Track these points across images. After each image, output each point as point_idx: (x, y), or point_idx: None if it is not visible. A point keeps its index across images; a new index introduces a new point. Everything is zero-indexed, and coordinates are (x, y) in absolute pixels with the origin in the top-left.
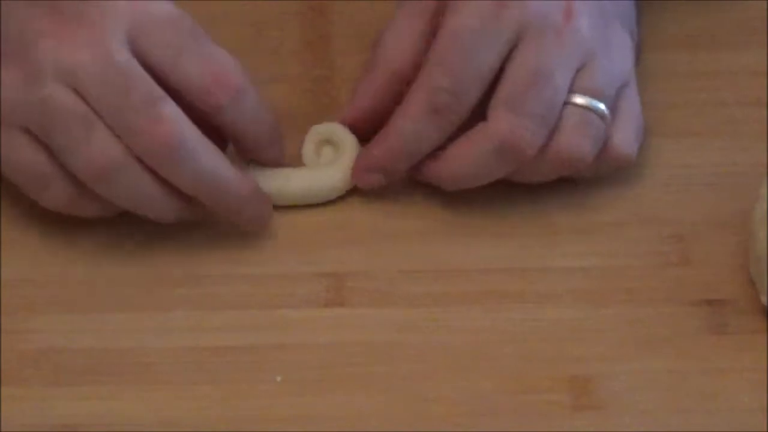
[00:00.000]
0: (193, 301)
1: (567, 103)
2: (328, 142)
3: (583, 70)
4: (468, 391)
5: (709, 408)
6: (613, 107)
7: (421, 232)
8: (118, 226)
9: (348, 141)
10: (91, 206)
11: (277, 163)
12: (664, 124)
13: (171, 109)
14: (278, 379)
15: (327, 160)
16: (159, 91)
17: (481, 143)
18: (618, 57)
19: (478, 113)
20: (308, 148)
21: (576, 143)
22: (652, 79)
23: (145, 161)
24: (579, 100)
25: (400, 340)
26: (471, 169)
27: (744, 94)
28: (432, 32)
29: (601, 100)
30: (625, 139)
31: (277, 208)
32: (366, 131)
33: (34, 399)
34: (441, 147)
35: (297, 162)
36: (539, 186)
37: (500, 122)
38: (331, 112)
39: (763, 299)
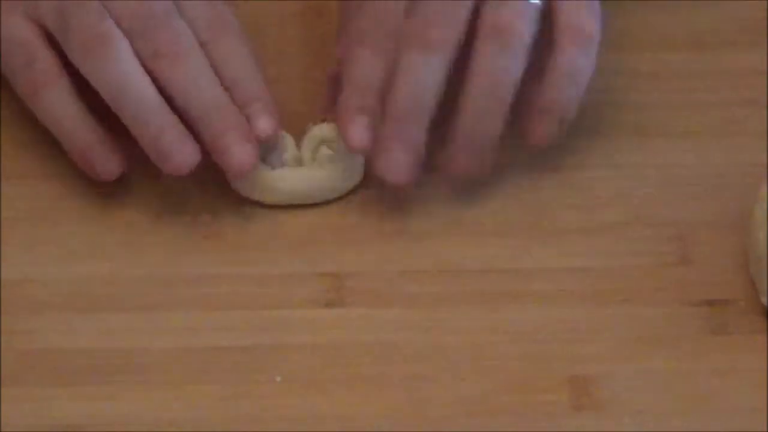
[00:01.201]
0: (193, 301)
1: None
2: (327, 141)
3: None
4: (468, 391)
5: (709, 408)
6: None
7: (421, 232)
8: (118, 226)
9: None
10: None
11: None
12: (664, 124)
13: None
14: (278, 379)
15: (325, 160)
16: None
17: (483, 47)
18: None
19: None
20: (307, 148)
21: (503, 13)
22: (652, 79)
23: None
24: None
25: (400, 340)
26: (491, 75)
27: (744, 94)
28: None
29: None
30: (575, 11)
31: (278, 207)
32: None
33: (34, 399)
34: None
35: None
36: (539, 186)
37: (487, 17)
38: (331, 112)
39: (763, 299)
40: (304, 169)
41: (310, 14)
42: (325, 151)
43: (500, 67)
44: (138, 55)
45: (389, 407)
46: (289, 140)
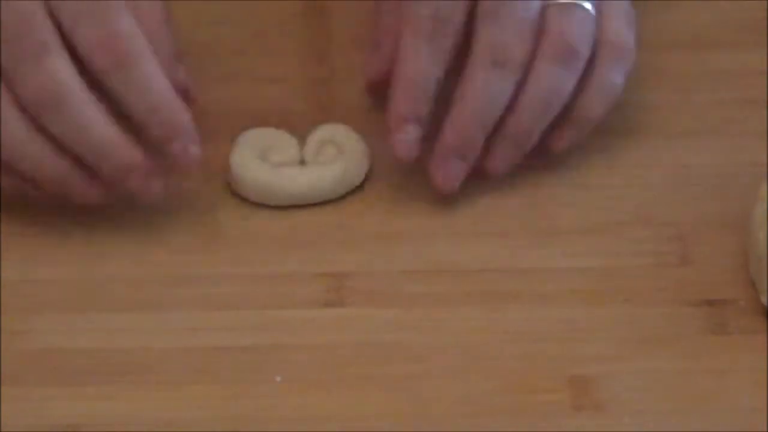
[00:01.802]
0: (193, 301)
1: (549, 5)
2: (330, 142)
3: None
4: (468, 391)
5: (709, 408)
6: (597, 6)
7: (421, 232)
8: (118, 226)
9: (350, 141)
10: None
11: (187, 164)
12: (664, 124)
13: (59, 63)
14: (278, 379)
15: (328, 160)
16: (54, 44)
17: (476, 67)
18: None
19: None
20: (310, 148)
21: (567, 30)
22: (652, 79)
23: (29, 111)
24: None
25: (400, 340)
26: (483, 96)
27: (744, 94)
28: None
29: None
30: (615, 26)
31: (278, 207)
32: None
33: (34, 399)
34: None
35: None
36: (539, 185)
37: (483, 38)
38: (332, 112)
39: (763, 299)
40: (307, 168)
41: (311, 14)
42: (327, 150)
43: (559, 83)
44: (20, 103)
45: (389, 407)
46: (290, 140)
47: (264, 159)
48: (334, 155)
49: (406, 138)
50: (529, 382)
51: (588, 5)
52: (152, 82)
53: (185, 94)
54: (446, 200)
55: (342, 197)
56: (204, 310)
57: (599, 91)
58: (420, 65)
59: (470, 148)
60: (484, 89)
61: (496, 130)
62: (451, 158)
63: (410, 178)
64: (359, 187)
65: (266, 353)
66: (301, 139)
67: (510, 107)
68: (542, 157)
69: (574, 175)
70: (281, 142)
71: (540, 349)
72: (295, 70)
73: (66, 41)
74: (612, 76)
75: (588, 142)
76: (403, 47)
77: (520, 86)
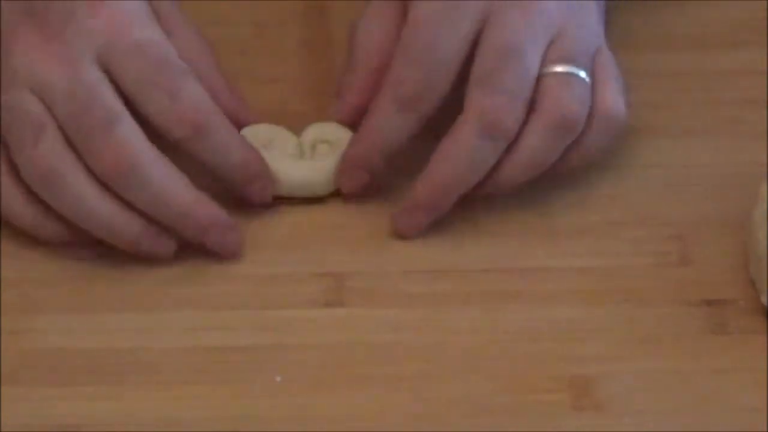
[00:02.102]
0: (193, 301)
1: (545, 74)
2: (324, 140)
3: (555, 41)
4: (468, 391)
5: (709, 408)
6: (591, 72)
7: (421, 232)
8: None
9: (345, 138)
10: (50, 223)
11: (262, 201)
12: (664, 124)
13: (127, 131)
14: (278, 379)
15: (322, 156)
16: (119, 112)
17: (464, 131)
18: (588, 23)
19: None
20: (305, 146)
21: (564, 103)
22: (652, 79)
23: (103, 181)
24: (557, 68)
25: (400, 340)
26: (465, 162)
27: (744, 94)
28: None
29: (578, 66)
30: (610, 96)
31: (277, 207)
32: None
33: (34, 399)
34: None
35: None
36: (539, 186)
37: (475, 103)
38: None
39: (763, 299)
40: (304, 161)
41: (311, 14)
42: (322, 149)
43: (548, 153)
44: (91, 172)
45: (389, 407)
46: (288, 134)
47: (263, 150)
48: (328, 151)
49: (351, 182)
50: (529, 382)
51: (583, 74)
52: (230, 144)
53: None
54: None
55: (342, 197)
56: (204, 310)
57: (586, 157)
58: (389, 132)
59: (441, 207)
60: (468, 155)
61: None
62: (418, 212)
63: (410, 178)
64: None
65: (266, 353)
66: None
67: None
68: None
69: (574, 175)
70: (281, 137)
71: (540, 349)
72: (295, 70)
73: (131, 107)
74: (603, 146)
75: None
76: (378, 109)
77: (506, 150)
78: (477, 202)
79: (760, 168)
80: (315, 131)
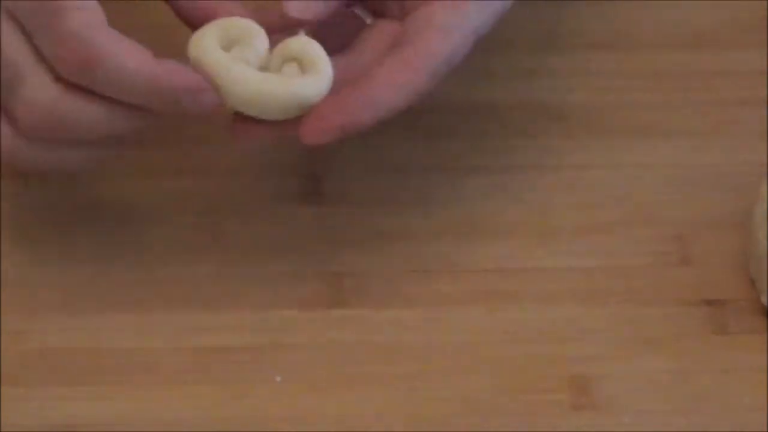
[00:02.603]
0: (193, 301)
1: None
2: (293, 58)
3: None
4: (468, 391)
5: (709, 408)
6: None
7: (421, 232)
8: (118, 226)
9: (318, 61)
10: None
11: (202, 113)
12: (664, 124)
13: (76, 22)
14: (278, 379)
15: (290, 74)
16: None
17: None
18: None
19: None
20: (274, 60)
21: None
22: (652, 79)
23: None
24: None
25: (400, 340)
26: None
27: (744, 94)
28: None
29: None
30: None
31: (277, 206)
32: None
33: (34, 399)
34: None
35: None
36: (539, 186)
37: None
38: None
39: (763, 299)
40: (261, 74)
41: None
42: (289, 69)
43: None
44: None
45: (389, 407)
46: (261, 41)
47: (220, 51)
48: (294, 73)
49: (319, 138)
50: (529, 382)
51: None
52: (125, 70)
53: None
54: (446, 201)
55: (341, 193)
56: (204, 310)
57: None
58: (401, 101)
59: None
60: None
61: None
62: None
63: (409, 178)
64: (359, 186)
65: (266, 353)
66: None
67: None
68: None
69: (574, 175)
70: (251, 41)
71: (540, 349)
72: None
73: None
74: None
75: (588, 142)
76: (397, 72)
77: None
78: (477, 203)
79: (760, 168)
80: (287, 47)
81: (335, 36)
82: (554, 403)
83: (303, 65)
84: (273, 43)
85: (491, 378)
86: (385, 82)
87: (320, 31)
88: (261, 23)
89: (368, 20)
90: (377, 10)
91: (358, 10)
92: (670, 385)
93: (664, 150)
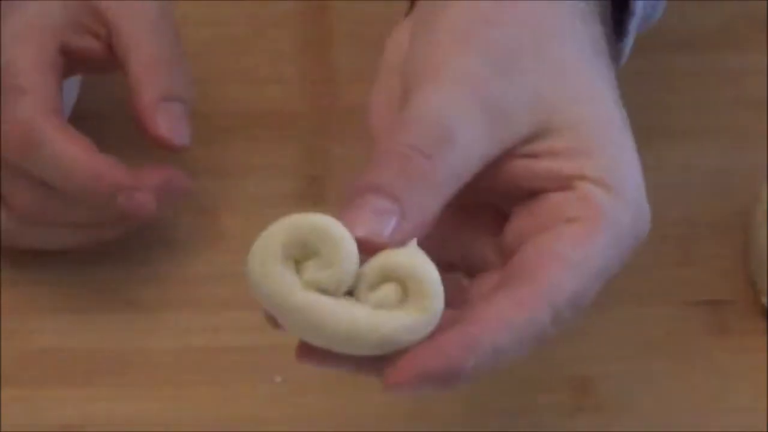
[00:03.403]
0: (193, 301)
1: None
2: (393, 278)
3: None
4: (468, 391)
5: (709, 408)
6: None
7: None
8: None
9: (427, 283)
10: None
11: (143, 214)
12: (664, 124)
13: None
14: (278, 379)
15: (388, 302)
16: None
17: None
18: None
19: None
20: (365, 279)
21: None
22: (652, 79)
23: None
24: None
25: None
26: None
27: (744, 94)
28: None
29: None
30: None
31: (277, 206)
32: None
33: (34, 399)
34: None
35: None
36: None
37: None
38: (331, 112)
39: (763, 299)
40: (350, 304)
41: (310, 14)
42: (385, 290)
43: None
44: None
45: (389, 407)
46: (348, 255)
47: (297, 269)
48: (393, 297)
49: (410, 388)
50: (529, 382)
51: None
52: (64, 160)
53: (165, 143)
54: None
55: (341, 193)
56: (204, 310)
57: None
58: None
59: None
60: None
61: None
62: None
63: None
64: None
65: (266, 353)
66: (299, 144)
67: None
68: None
69: None
70: (330, 250)
71: (540, 349)
72: (295, 70)
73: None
74: None
75: None
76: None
77: None
78: None
79: (760, 168)
80: (391, 261)
81: None
82: (554, 403)
83: (407, 290)
84: None
85: (491, 378)
86: (495, 320)
87: None
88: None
89: (465, 281)
90: (473, 268)
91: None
92: (669, 385)
93: (664, 150)
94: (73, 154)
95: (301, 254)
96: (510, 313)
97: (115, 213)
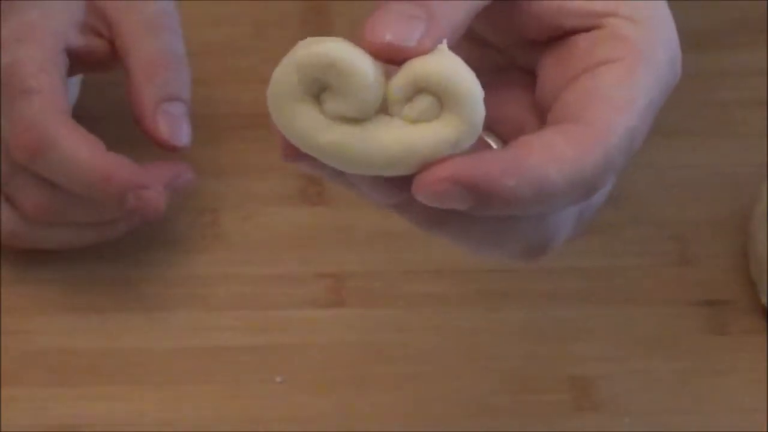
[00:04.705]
0: (193, 301)
1: None
2: (427, 90)
3: None
4: (468, 391)
5: (709, 408)
6: None
7: (421, 232)
8: None
9: (464, 91)
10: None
11: (153, 215)
12: (664, 124)
13: (32, 109)
14: (278, 379)
15: (426, 112)
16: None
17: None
18: None
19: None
20: (394, 94)
21: None
22: None
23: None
24: None
25: (400, 340)
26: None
27: (744, 94)
28: None
29: None
30: None
31: (276, 205)
32: None
33: (34, 399)
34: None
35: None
36: None
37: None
38: None
39: (763, 299)
40: (398, 123)
41: (311, 14)
42: (421, 102)
43: None
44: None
45: (389, 407)
46: (368, 73)
47: (317, 100)
48: (431, 109)
49: (448, 202)
50: (529, 382)
51: None
52: (75, 162)
53: (165, 144)
54: None
55: (341, 193)
56: (204, 310)
57: None
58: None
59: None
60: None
61: None
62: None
63: None
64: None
65: (266, 353)
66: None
67: None
68: None
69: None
70: (351, 77)
71: (540, 349)
72: None
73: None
74: None
75: None
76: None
77: None
78: None
79: (760, 168)
80: (422, 70)
81: None
82: (555, 403)
83: (443, 100)
84: None
85: (492, 378)
86: (546, 149)
87: None
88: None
89: (496, 146)
90: (508, 135)
91: (486, 136)
92: (669, 385)
93: (664, 150)
94: (83, 155)
95: (319, 86)
96: (561, 147)
97: (123, 212)
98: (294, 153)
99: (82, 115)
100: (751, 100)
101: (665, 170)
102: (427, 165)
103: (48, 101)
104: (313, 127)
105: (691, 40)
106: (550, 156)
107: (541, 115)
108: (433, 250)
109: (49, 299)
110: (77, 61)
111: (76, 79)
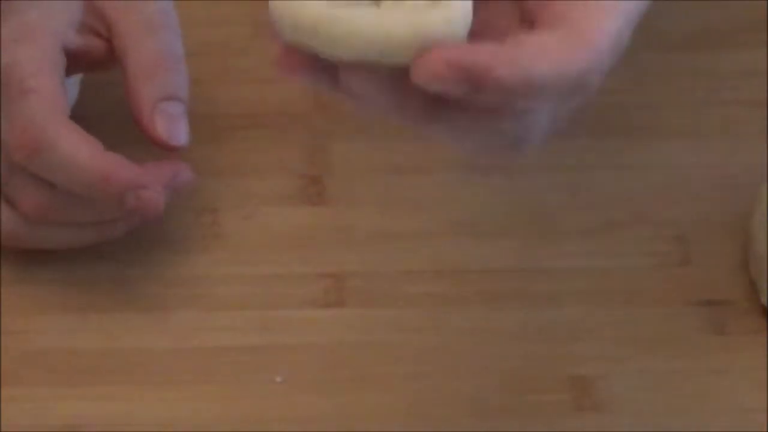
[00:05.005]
0: (193, 301)
1: None
2: None
3: None
4: (468, 391)
5: (709, 408)
6: None
7: (421, 232)
8: None
9: None
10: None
11: (153, 214)
12: (664, 124)
13: (31, 108)
14: (278, 379)
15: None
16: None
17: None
18: None
19: None
20: None
21: None
22: (652, 79)
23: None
24: None
25: (400, 340)
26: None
27: (744, 94)
28: None
29: None
30: None
31: (276, 205)
32: None
33: (34, 399)
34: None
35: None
36: (539, 186)
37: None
38: (332, 112)
39: (763, 299)
40: (398, 8)
41: None
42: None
43: None
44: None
45: (389, 407)
46: None
47: None
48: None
49: (442, 85)
50: (529, 382)
51: None
52: (74, 162)
53: (163, 144)
54: (447, 200)
55: (341, 193)
56: (204, 310)
57: None
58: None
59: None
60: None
61: None
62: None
63: (409, 178)
64: (359, 187)
65: (266, 353)
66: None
67: None
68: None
69: (574, 175)
70: None
71: (540, 349)
72: None
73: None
74: None
75: (588, 142)
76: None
77: None
78: (477, 203)
79: (760, 168)
80: None
81: None
82: (555, 403)
83: None
84: None
85: (492, 378)
86: (538, 48)
87: None
88: None
89: None
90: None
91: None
92: (670, 385)
93: (664, 150)
94: (82, 155)
95: None
96: (552, 45)
97: (122, 212)
98: (292, 62)
99: (81, 115)
100: (751, 100)
101: (665, 170)
102: (426, 51)
103: (47, 101)
104: (318, 12)
105: (691, 40)
106: (542, 51)
107: (530, 27)
108: (433, 250)
109: (49, 299)
110: (76, 61)
111: (75, 79)
